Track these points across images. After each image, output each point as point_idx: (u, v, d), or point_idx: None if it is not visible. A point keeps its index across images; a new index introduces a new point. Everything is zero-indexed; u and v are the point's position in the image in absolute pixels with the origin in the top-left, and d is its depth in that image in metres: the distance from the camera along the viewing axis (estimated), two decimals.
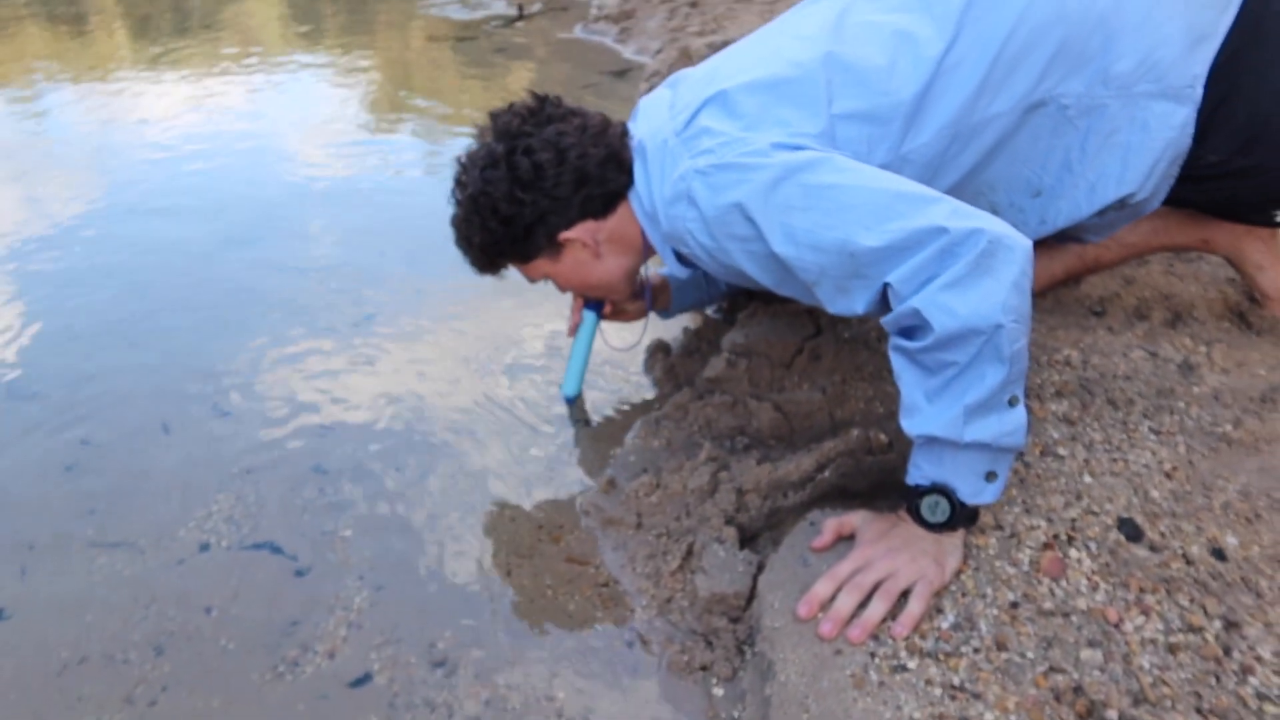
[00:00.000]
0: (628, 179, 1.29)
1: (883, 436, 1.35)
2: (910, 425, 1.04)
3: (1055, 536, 1.07)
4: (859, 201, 1.03)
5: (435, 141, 3.11)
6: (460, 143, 3.06)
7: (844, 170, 1.06)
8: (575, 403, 1.65)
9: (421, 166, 2.89)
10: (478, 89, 3.63)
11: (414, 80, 3.86)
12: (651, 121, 1.27)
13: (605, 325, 1.63)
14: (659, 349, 1.77)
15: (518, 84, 3.62)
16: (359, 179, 2.77)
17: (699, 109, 1.17)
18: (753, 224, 1.09)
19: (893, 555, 1.05)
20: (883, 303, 1.05)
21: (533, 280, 1.42)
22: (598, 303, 1.54)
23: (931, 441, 1.04)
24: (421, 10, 5.11)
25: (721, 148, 1.12)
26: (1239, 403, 1.24)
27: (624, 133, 1.30)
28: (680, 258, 1.32)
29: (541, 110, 1.29)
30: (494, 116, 1.30)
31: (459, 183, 1.32)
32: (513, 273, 1.43)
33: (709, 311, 1.86)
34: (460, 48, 4.23)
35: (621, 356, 1.78)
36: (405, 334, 1.93)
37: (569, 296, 1.59)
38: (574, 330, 1.58)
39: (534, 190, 1.26)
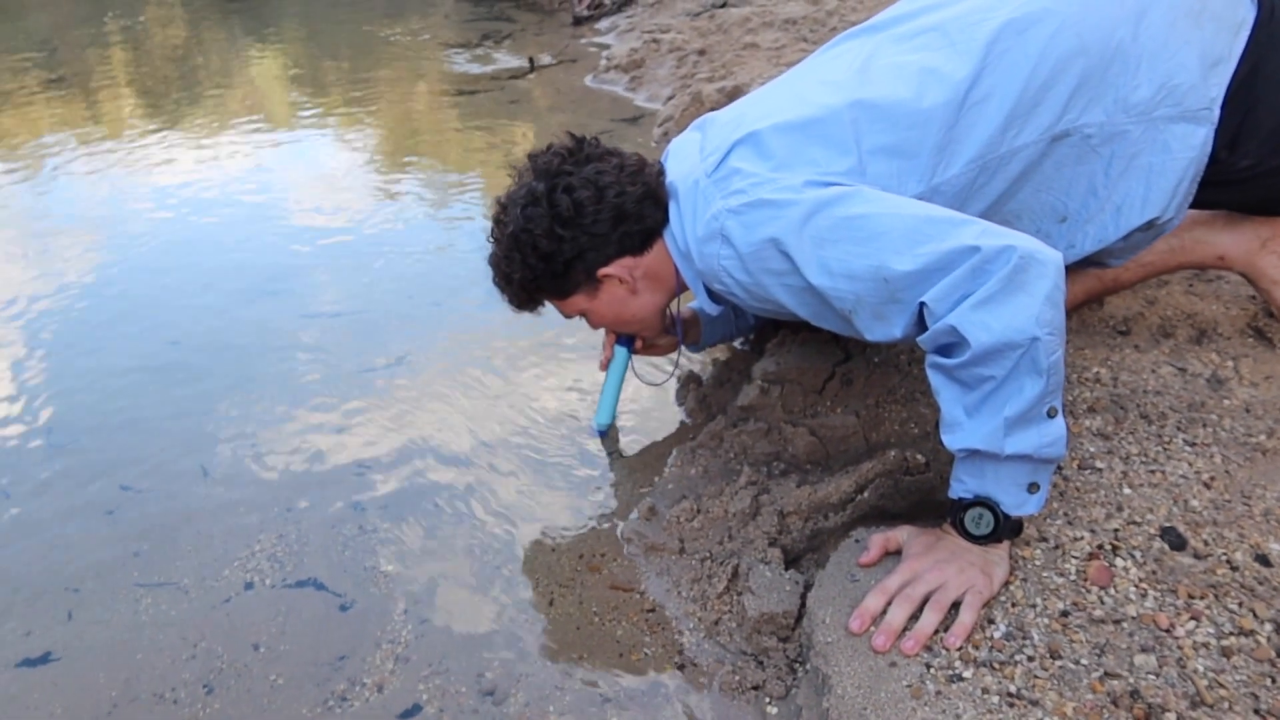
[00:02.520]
0: (664, 216, 1.33)
1: (919, 457, 1.38)
2: (951, 440, 1.07)
3: (1100, 546, 1.10)
4: (890, 228, 1.07)
5: (449, 194, 3.19)
6: (475, 195, 3.14)
7: (873, 200, 1.10)
8: (608, 434, 1.68)
9: (437, 218, 2.96)
10: (491, 140, 3.72)
11: (422, 135, 3.96)
12: (682, 163, 1.32)
13: (636, 361, 1.67)
14: (690, 380, 1.81)
15: (530, 135, 3.71)
16: (374, 233, 2.83)
17: (729, 151, 1.22)
18: (788, 258, 1.13)
19: (941, 567, 1.07)
20: (919, 324, 1.09)
21: (568, 316, 1.46)
22: (629, 338, 1.58)
23: (973, 455, 1.07)
24: (428, 66, 5.26)
25: (753, 187, 1.16)
26: (1270, 414, 1.27)
27: (660, 171, 1.36)
28: (712, 294, 1.36)
29: (580, 150, 1.34)
30: (533, 157, 1.35)
31: (498, 221, 1.37)
32: (543, 317, 1.46)
33: (737, 344, 1.90)
34: (470, 101, 4.34)
35: (652, 388, 1.82)
36: (437, 375, 1.97)
37: (599, 335, 1.63)
38: (606, 365, 1.62)
39: (574, 227, 1.30)
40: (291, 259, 2.68)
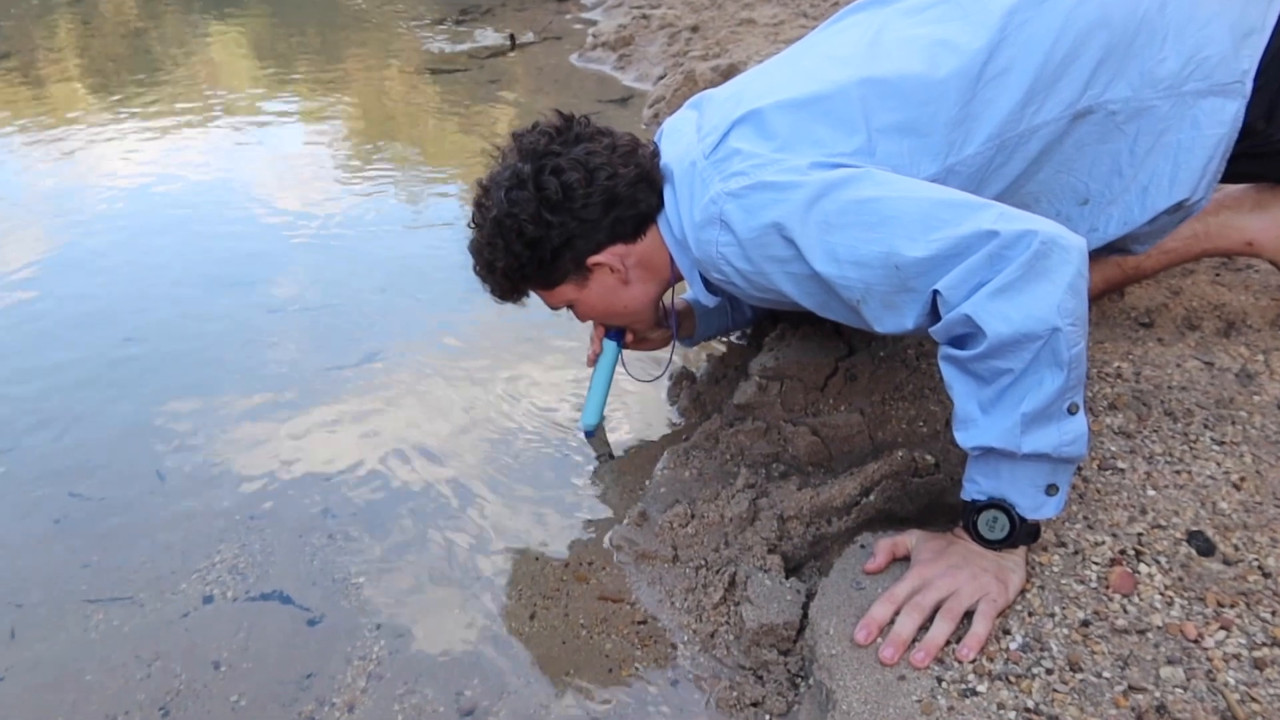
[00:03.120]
0: (658, 201, 1.32)
1: (929, 457, 1.38)
2: (964, 437, 1.07)
3: (1122, 552, 1.09)
4: (901, 212, 1.06)
5: (425, 180, 3.17)
6: (453, 180, 3.13)
7: (884, 183, 1.10)
8: (595, 434, 1.68)
9: (412, 206, 2.95)
10: (469, 123, 3.71)
11: (395, 118, 3.95)
12: (678, 144, 1.31)
13: (626, 355, 1.66)
14: (684, 377, 1.80)
15: (512, 117, 3.70)
16: (344, 221, 2.82)
17: (728, 130, 1.21)
18: (792, 244, 1.12)
19: (952, 573, 1.06)
20: (932, 314, 1.08)
21: (554, 308, 1.45)
22: (619, 331, 1.57)
23: (987, 453, 1.06)
24: (402, 44, 5.24)
25: (755, 169, 1.15)
26: None
27: (654, 152, 1.35)
28: (709, 284, 1.35)
29: (569, 129, 1.33)
30: (518, 136, 1.34)
31: (480, 206, 1.36)
32: (523, 307, 1.46)
33: (733, 338, 1.89)
34: (446, 81, 4.33)
35: (643, 385, 1.81)
36: (413, 371, 1.96)
37: (586, 328, 1.62)
38: (594, 360, 1.61)
39: (562, 211, 1.29)
40: (255, 249, 2.66)
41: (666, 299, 1.55)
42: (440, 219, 2.81)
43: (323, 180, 3.19)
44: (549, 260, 1.33)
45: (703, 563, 1.31)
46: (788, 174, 1.12)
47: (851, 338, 1.63)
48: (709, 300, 1.39)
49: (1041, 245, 0.98)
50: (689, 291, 1.41)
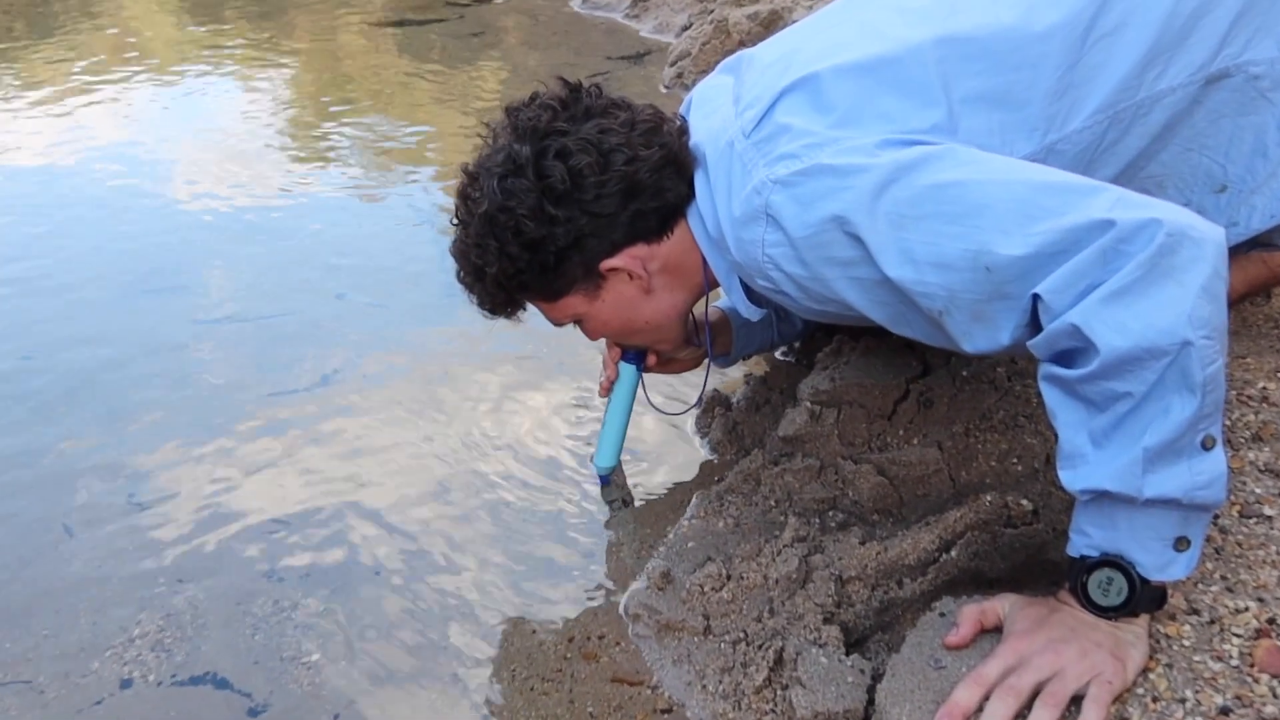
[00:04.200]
0: (688, 190, 1.34)
1: (1024, 502, 1.38)
2: (1071, 478, 1.07)
3: (1271, 621, 1.09)
4: (993, 199, 1.06)
5: (393, 160, 3.21)
6: (428, 161, 3.16)
7: (969, 163, 1.10)
8: (611, 479, 1.69)
9: (376, 193, 2.99)
10: (447, 88, 3.75)
11: (354, 81, 3.99)
12: (711, 118, 1.33)
13: (649, 381, 1.67)
14: (716, 403, 1.81)
15: (500, 80, 3.74)
16: (292, 212, 2.86)
17: (775, 101, 1.22)
18: (857, 242, 1.13)
19: (1056, 649, 1.06)
20: (1032, 324, 1.08)
21: (558, 323, 1.46)
22: (639, 352, 1.58)
23: (1100, 498, 1.07)
24: None
25: (809, 150, 1.16)
26: None
27: (683, 129, 1.36)
28: (751, 293, 1.36)
29: (577, 101, 1.33)
30: (513, 112, 1.35)
31: (466, 198, 1.37)
32: (525, 324, 1.48)
33: (777, 355, 1.91)
34: (416, 35, 4.38)
35: (668, 419, 1.82)
36: (378, 397, 1.98)
37: (599, 348, 1.64)
38: (608, 389, 1.62)
39: (570, 205, 1.30)
40: (181, 247, 2.70)
41: (698, 310, 1.56)
42: (410, 209, 2.85)
43: (263, 160, 3.24)
44: (553, 265, 1.34)
45: (741, 636, 1.31)
46: (850, 155, 1.13)
47: (926, 353, 1.64)
48: (752, 313, 1.39)
49: (1168, 238, 0.98)
50: (724, 298, 1.42)
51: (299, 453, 1.85)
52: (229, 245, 2.67)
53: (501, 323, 1.46)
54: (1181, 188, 1.25)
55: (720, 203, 1.26)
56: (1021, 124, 1.17)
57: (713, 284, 1.41)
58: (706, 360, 1.65)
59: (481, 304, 1.42)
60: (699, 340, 1.61)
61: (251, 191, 2.99)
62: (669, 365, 1.65)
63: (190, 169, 3.21)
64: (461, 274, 1.41)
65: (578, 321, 1.45)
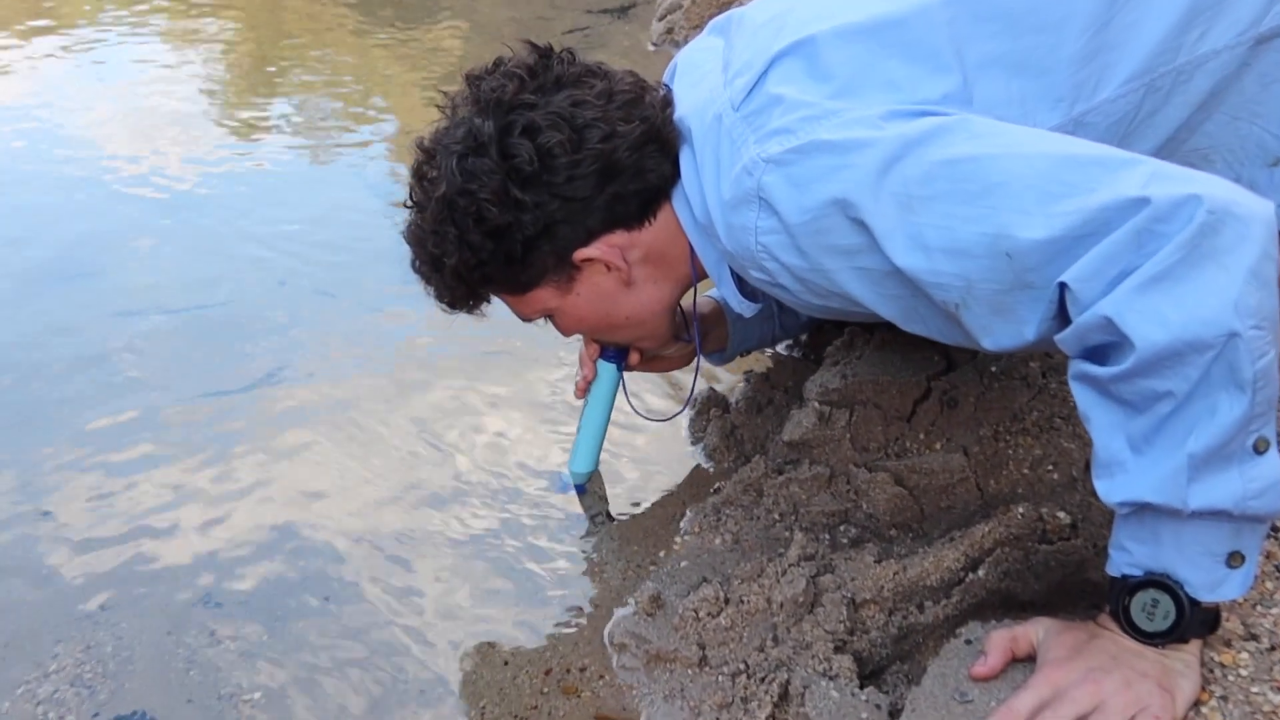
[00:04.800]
0: (672, 170, 1.34)
1: (1061, 515, 1.39)
2: (1109, 488, 1.08)
3: None
4: (1013, 176, 1.07)
5: (339, 132, 3.20)
6: (380, 135, 3.15)
7: (986, 134, 1.11)
8: (588, 488, 1.70)
9: (322, 167, 2.97)
10: (401, 49, 3.73)
11: (296, 40, 3.97)
12: (698, 88, 1.33)
13: (631, 381, 1.68)
14: (711, 403, 1.82)
15: (462, 41, 3.73)
16: (226, 188, 2.84)
17: (767, 68, 1.22)
18: (861, 228, 1.13)
19: (1096, 680, 1.07)
20: (1060, 316, 1.09)
21: (527, 318, 1.47)
22: (619, 350, 1.59)
23: (1142, 511, 1.07)
24: None
25: (805, 123, 1.16)
26: None
27: (667, 101, 1.36)
28: (744, 285, 1.37)
29: (547, 69, 1.34)
30: (474, 80, 1.35)
31: (421, 178, 1.37)
32: (490, 317, 1.48)
33: (780, 350, 1.91)
34: None
35: (655, 423, 1.83)
36: (326, 399, 1.98)
37: (574, 343, 1.64)
38: (585, 389, 1.63)
39: (539, 188, 1.30)
40: (100, 228, 2.68)
41: (686, 302, 1.56)
42: (362, 185, 2.84)
43: (194, 128, 3.22)
44: (519, 255, 1.34)
45: (742, 667, 1.32)
46: (852, 129, 1.14)
47: (949, 347, 1.65)
48: (745, 308, 1.40)
49: (1210, 216, 0.99)
50: (717, 289, 1.42)
51: (236, 463, 1.85)
52: (154, 225, 2.66)
53: (464, 317, 1.47)
54: (1230, 161, 1.25)
55: (708, 184, 1.26)
56: (1045, 93, 1.17)
57: (701, 275, 1.42)
58: (696, 358, 1.66)
59: (440, 297, 1.43)
60: (688, 335, 1.62)
61: (180, 163, 2.98)
62: (654, 363, 1.66)
63: (109, 137, 3.19)
64: (417, 263, 1.41)
65: (549, 317, 1.45)
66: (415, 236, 1.39)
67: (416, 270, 1.42)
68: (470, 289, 1.41)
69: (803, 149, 1.15)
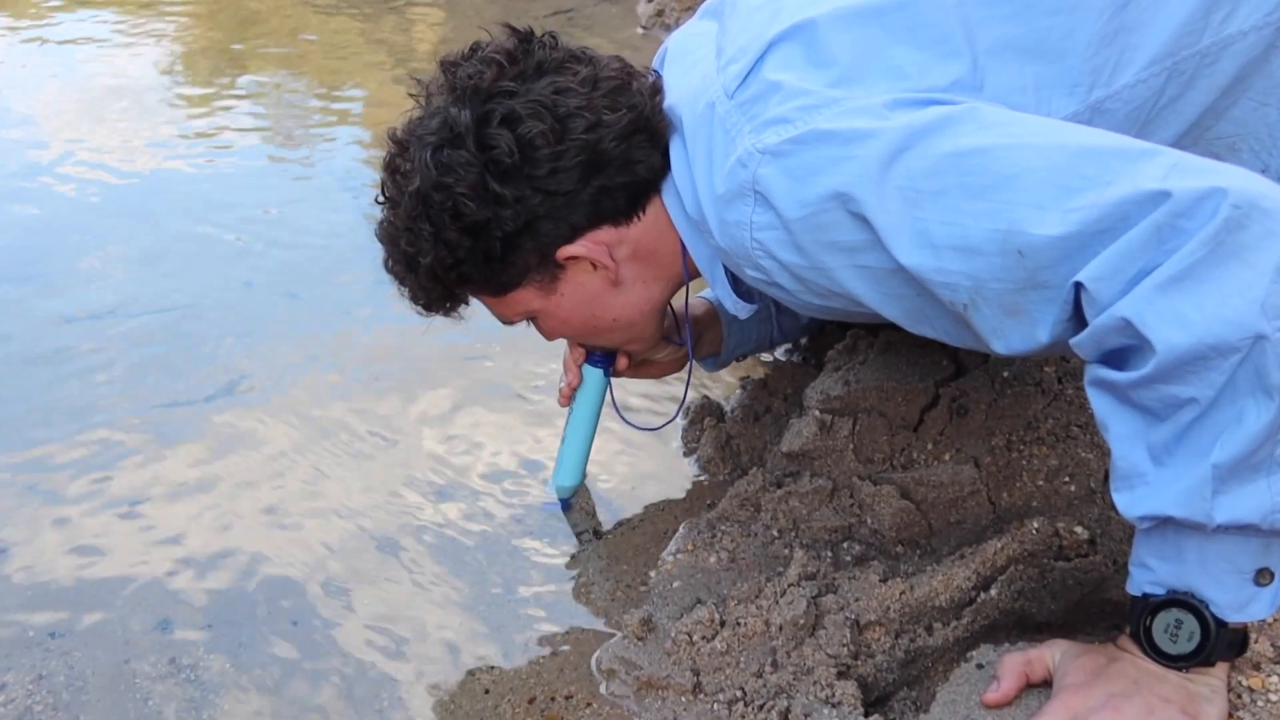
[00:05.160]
0: (662, 162, 1.35)
1: (1078, 530, 1.40)
2: (1129, 502, 1.08)
3: None
4: (1025, 168, 1.07)
5: (307, 121, 3.19)
6: (348, 123, 3.15)
7: (997, 124, 1.12)
8: (574, 503, 1.70)
9: (287, 160, 2.97)
10: (373, 33, 3.73)
11: (261, 23, 3.96)
12: (690, 74, 1.34)
13: (619, 388, 1.69)
14: (705, 412, 1.82)
15: (437, 24, 3.72)
16: (184, 182, 2.83)
17: (763, 53, 1.23)
18: (864, 223, 1.14)
19: (1116, 706, 1.08)
20: (1075, 318, 1.10)
21: (508, 321, 1.48)
22: (606, 355, 1.60)
23: (1164, 525, 1.08)
24: None
25: (803, 112, 1.17)
26: None
27: (656, 88, 1.37)
28: (739, 285, 1.38)
29: (528, 55, 1.34)
30: (450, 67, 1.35)
31: (394, 171, 1.38)
32: (467, 320, 1.49)
33: (778, 354, 1.92)
34: None
35: (645, 430, 1.83)
36: (293, 410, 1.98)
37: (558, 347, 1.64)
38: (570, 397, 1.64)
39: (519, 181, 1.31)
40: (48, 225, 2.67)
41: (677, 303, 1.57)
42: (331, 178, 2.84)
43: (152, 118, 3.21)
44: (499, 254, 1.35)
45: (739, 694, 1.32)
46: (854, 118, 1.14)
47: (959, 351, 1.66)
48: (740, 309, 1.41)
49: (1234, 210, 0.99)
50: (711, 289, 1.43)
51: (198, 477, 1.85)
52: (109, 222, 2.65)
53: (440, 319, 1.47)
54: (1258, 150, 1.26)
55: (700, 177, 1.27)
56: (1060, 78, 1.18)
57: (694, 274, 1.42)
58: (689, 362, 1.66)
59: (415, 298, 1.43)
60: (679, 339, 1.62)
61: (137, 156, 2.97)
62: (644, 368, 1.67)
63: (60, 128, 3.18)
64: (390, 262, 1.42)
65: (532, 319, 1.46)
66: (388, 234, 1.40)
67: (390, 270, 1.42)
68: (447, 290, 1.41)
69: (801, 139, 1.16)
